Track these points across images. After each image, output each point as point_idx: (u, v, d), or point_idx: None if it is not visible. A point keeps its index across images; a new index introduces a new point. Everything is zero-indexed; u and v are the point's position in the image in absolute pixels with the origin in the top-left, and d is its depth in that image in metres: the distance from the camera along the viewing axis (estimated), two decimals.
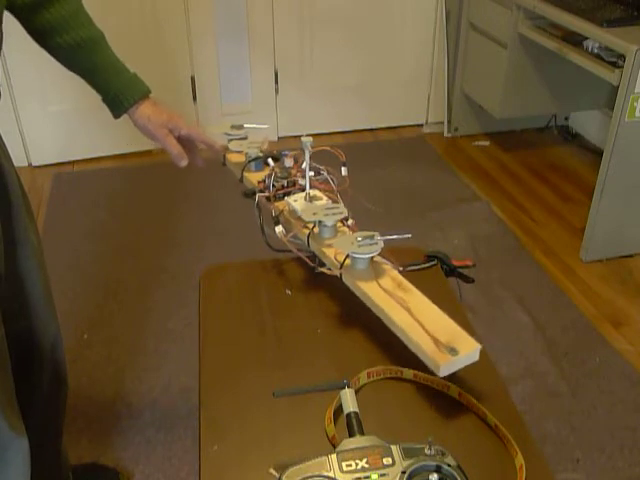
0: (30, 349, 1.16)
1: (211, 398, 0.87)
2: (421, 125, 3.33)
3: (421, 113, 3.30)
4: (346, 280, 0.95)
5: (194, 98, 3.01)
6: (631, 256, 2.36)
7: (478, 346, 0.81)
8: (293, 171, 1.11)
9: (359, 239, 0.92)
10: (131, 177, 2.85)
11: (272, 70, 3.05)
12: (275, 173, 1.10)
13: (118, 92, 1.08)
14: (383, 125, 3.30)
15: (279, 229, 1.02)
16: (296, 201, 1.05)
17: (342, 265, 0.94)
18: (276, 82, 3.08)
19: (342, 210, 0.99)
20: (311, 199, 1.05)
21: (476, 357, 0.81)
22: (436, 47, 3.14)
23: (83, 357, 1.89)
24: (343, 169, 1.07)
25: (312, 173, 1.07)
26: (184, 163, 1.17)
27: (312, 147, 1.04)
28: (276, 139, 3.17)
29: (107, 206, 2.64)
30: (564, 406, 1.75)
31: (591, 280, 2.25)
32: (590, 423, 1.70)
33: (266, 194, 1.08)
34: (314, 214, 0.99)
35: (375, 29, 3.06)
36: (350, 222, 1.02)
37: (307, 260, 1.01)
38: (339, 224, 1.02)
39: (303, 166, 1.07)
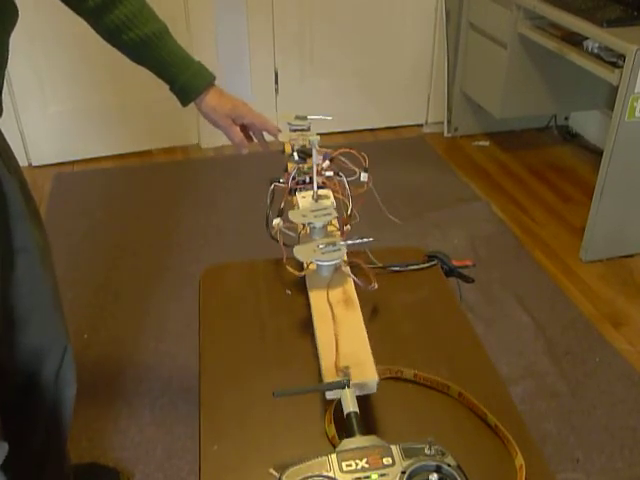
0: (39, 356, 1.16)
1: (211, 398, 0.87)
2: (421, 125, 3.33)
3: (421, 113, 3.30)
4: (307, 284, 0.95)
5: None
6: (631, 256, 2.36)
7: (375, 379, 0.78)
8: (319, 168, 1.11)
9: (321, 246, 0.92)
10: (131, 177, 2.85)
11: (272, 70, 3.05)
12: (301, 167, 1.09)
13: (184, 84, 1.12)
14: (383, 125, 3.30)
15: (276, 221, 1.01)
16: (304, 198, 1.05)
17: (307, 267, 0.95)
18: (276, 82, 3.08)
19: (332, 212, 0.99)
20: (319, 198, 1.05)
21: (373, 389, 0.78)
22: (436, 47, 3.14)
23: (83, 357, 1.89)
24: (363, 175, 1.06)
25: (331, 173, 1.07)
26: (245, 151, 1.21)
27: (319, 145, 1.04)
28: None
29: (107, 206, 2.64)
30: (564, 406, 1.75)
31: (591, 280, 2.25)
32: (590, 423, 1.70)
33: (283, 185, 1.08)
34: (303, 216, 0.98)
35: (375, 29, 3.06)
36: (346, 227, 1.01)
37: (285, 257, 1.00)
38: (332, 227, 1.01)
39: (324, 165, 1.07)
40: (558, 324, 2.03)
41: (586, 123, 3.18)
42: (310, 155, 1.12)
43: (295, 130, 1.21)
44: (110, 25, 1.04)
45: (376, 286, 0.93)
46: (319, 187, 1.06)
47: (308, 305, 0.98)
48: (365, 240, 0.96)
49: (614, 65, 2.11)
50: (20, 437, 1.06)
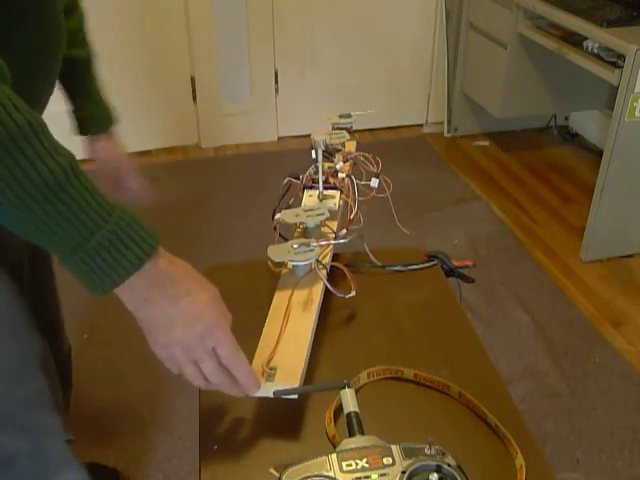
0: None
1: (211, 398, 0.87)
2: (421, 125, 3.33)
3: (421, 113, 3.30)
4: (279, 282, 0.95)
5: (194, 98, 3.01)
6: (631, 256, 2.36)
7: (295, 386, 0.78)
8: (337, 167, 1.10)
9: (295, 246, 0.91)
10: None
11: (272, 70, 3.06)
12: (319, 166, 1.09)
13: (85, 119, 1.16)
14: (383, 125, 3.30)
15: (278, 215, 1.01)
16: (310, 196, 1.04)
17: (285, 266, 0.95)
18: (276, 82, 3.09)
19: (324, 212, 0.98)
20: (324, 198, 1.04)
21: (294, 396, 0.77)
22: (436, 47, 3.14)
23: (83, 357, 1.89)
24: (373, 180, 1.05)
25: (344, 174, 1.06)
26: (148, 201, 1.25)
27: (324, 145, 1.04)
28: (276, 139, 3.17)
29: None
30: (564, 406, 1.75)
31: (591, 280, 2.25)
32: (590, 423, 1.70)
33: (297, 181, 1.07)
34: (296, 215, 0.98)
35: (375, 29, 3.07)
36: (342, 231, 1.01)
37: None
38: (327, 229, 1.01)
39: (338, 166, 1.07)
40: (558, 324, 2.04)
41: (586, 123, 3.18)
42: (332, 154, 1.12)
43: (338, 128, 1.20)
44: None
45: (353, 293, 0.91)
46: (332, 188, 1.05)
47: None
48: (340, 241, 0.96)
49: (614, 65, 2.11)
50: None
